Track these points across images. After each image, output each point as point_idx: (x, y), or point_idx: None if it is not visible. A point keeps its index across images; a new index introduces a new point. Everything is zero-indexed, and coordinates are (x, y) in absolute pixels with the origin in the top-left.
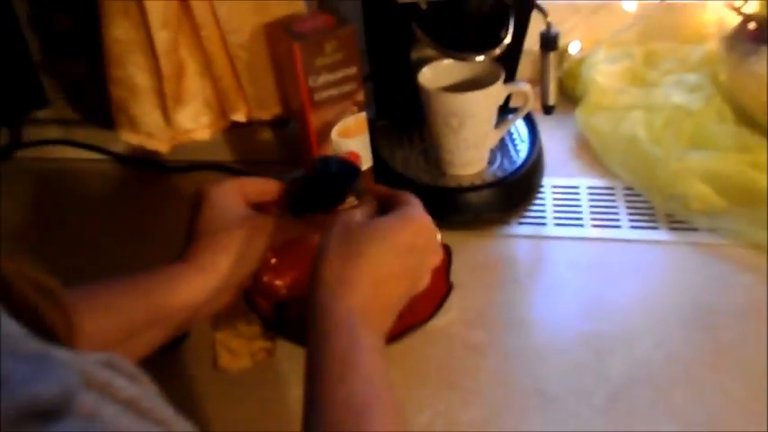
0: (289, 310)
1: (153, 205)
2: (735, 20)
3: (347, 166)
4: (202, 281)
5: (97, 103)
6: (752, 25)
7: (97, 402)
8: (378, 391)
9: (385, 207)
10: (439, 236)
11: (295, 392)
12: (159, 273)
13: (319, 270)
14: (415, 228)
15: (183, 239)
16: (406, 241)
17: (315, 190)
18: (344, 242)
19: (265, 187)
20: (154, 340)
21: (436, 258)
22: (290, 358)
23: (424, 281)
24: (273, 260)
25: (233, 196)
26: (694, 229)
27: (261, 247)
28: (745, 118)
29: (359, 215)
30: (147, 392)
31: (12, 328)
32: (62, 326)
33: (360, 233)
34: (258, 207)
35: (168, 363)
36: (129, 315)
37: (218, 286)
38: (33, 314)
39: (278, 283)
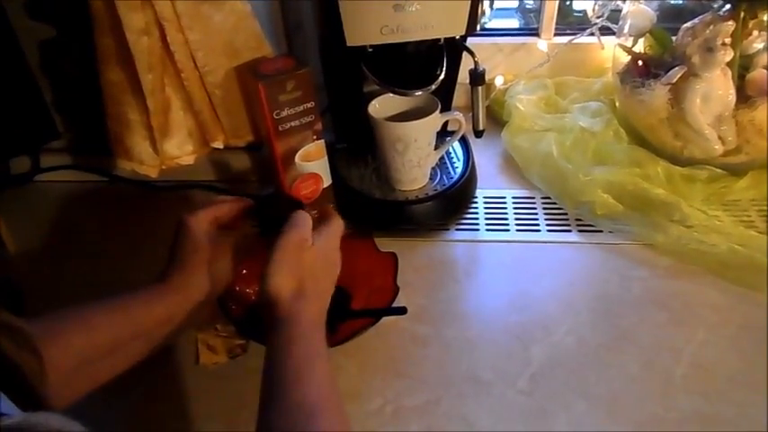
0: (258, 313)
1: (148, 218)
2: (626, 58)
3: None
4: (175, 297)
5: (99, 135)
6: (639, 62)
7: None
8: (327, 394)
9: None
10: None
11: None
12: (138, 292)
13: (275, 287)
14: (338, 246)
15: (165, 262)
16: (336, 259)
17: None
18: (293, 263)
19: (234, 207)
20: (136, 353)
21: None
22: (261, 354)
23: None
24: (245, 271)
25: (205, 223)
26: (599, 231)
27: (227, 267)
28: (637, 138)
29: (295, 235)
30: None
31: None
32: (30, 364)
33: (306, 254)
34: (232, 226)
35: (156, 359)
36: (111, 332)
37: (190, 301)
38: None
39: (248, 290)
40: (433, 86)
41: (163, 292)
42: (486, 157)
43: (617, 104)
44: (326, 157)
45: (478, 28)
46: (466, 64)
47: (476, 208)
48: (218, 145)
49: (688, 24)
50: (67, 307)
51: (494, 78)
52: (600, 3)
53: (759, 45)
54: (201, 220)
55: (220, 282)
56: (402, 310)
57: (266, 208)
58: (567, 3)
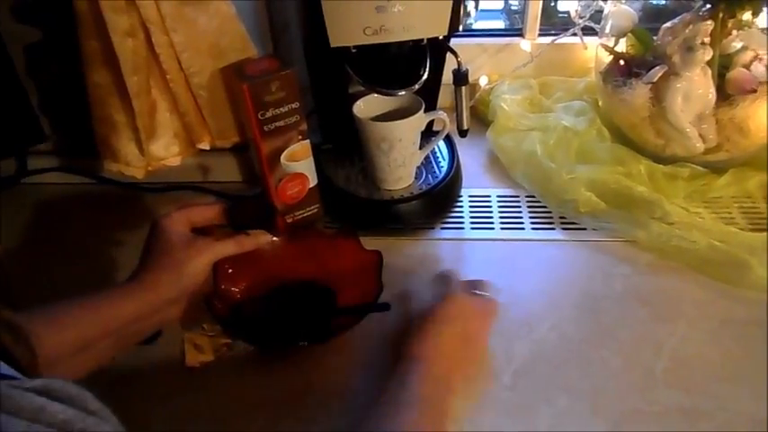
0: (243, 312)
1: (135, 219)
2: (608, 58)
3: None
4: (145, 296)
5: (85, 137)
6: (621, 62)
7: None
8: None
9: None
10: None
11: (249, 380)
12: (110, 290)
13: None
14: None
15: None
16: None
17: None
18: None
19: (208, 213)
20: (107, 351)
21: None
22: (247, 353)
23: None
24: (230, 270)
25: (178, 225)
26: (583, 229)
27: (199, 266)
28: (619, 137)
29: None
30: (81, 414)
31: None
32: (24, 354)
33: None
34: (206, 230)
35: (142, 358)
36: (82, 329)
37: (161, 299)
38: None
39: (234, 289)
40: (417, 86)
41: (134, 290)
42: (471, 157)
43: (600, 104)
44: (312, 158)
45: (461, 29)
46: (450, 64)
47: (461, 207)
48: (205, 146)
49: (668, 24)
50: (36, 307)
51: (478, 78)
52: (583, 3)
53: (738, 44)
54: (175, 221)
55: (194, 282)
56: (386, 307)
57: (238, 212)
58: (552, 4)
